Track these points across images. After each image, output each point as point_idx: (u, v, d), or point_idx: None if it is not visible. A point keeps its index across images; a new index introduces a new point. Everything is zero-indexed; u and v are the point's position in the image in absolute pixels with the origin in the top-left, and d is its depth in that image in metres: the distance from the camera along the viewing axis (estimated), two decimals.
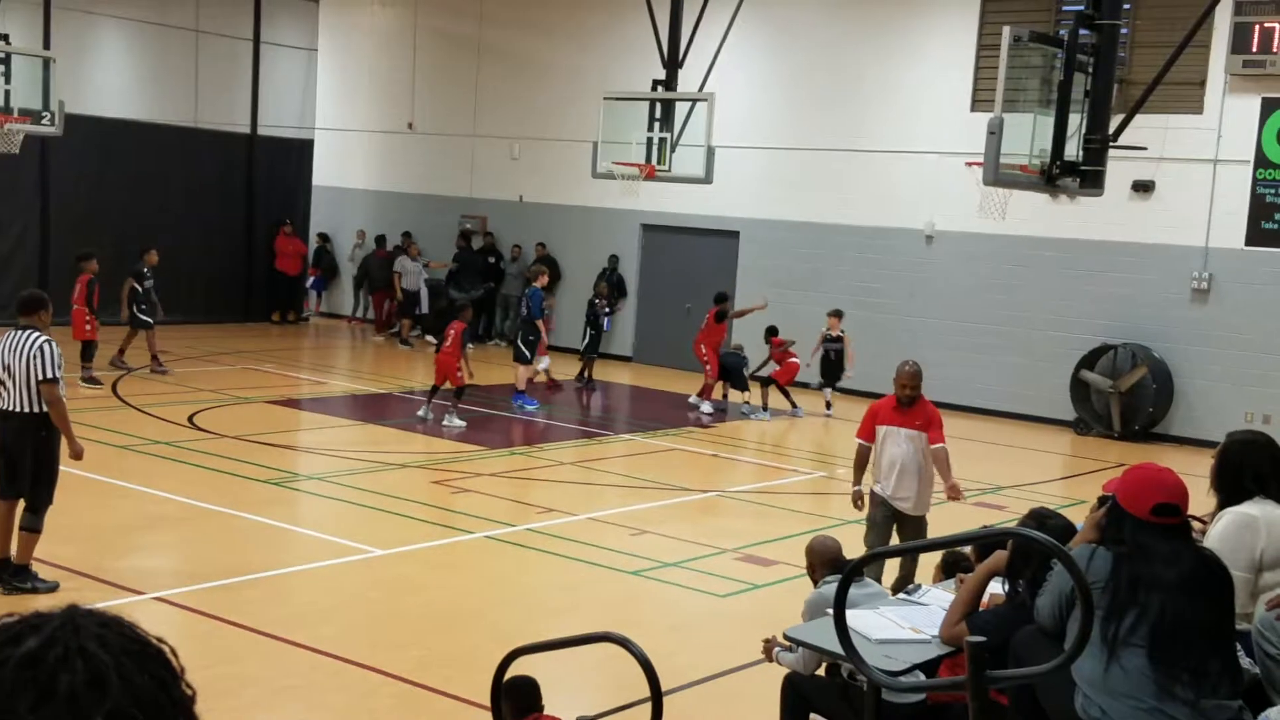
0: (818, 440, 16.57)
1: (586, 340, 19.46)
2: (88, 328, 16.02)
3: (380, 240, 24.99)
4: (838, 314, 18.12)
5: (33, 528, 8.20)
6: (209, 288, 23.67)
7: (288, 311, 25.02)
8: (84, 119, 20.33)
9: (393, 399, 17.60)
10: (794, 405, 17.79)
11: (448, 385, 15.30)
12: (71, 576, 8.47)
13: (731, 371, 17.84)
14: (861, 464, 8.72)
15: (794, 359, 18.00)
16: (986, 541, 6.09)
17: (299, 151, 25.43)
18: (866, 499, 8.67)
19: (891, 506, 8.53)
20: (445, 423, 15.04)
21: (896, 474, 8.48)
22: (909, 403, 8.54)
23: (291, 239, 24.81)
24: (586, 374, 19.39)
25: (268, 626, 7.82)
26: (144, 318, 17.38)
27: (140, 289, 17.41)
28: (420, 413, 15.35)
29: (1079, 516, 6.39)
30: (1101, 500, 6.35)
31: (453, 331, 15.23)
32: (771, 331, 18.33)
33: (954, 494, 8.67)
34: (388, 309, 24.28)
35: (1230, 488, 4.94)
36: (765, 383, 17.79)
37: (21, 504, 8.28)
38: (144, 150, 22.44)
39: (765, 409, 17.57)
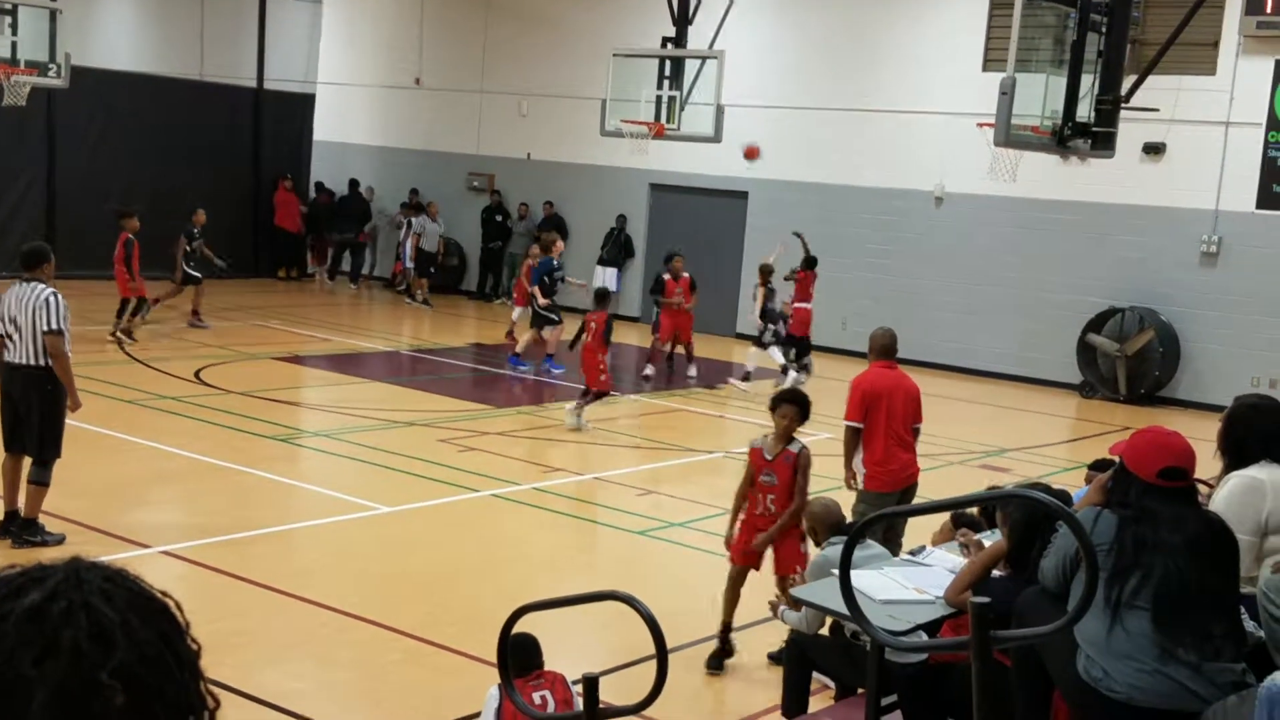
0: (826, 401, 16.54)
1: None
2: (132, 285, 15.95)
3: (319, 187, 25.09)
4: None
5: (41, 481, 8.23)
6: (214, 243, 23.56)
7: (292, 268, 24.98)
8: (90, 71, 20.23)
9: (399, 357, 17.62)
10: (790, 364, 16.38)
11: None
12: (79, 530, 8.51)
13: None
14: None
15: (806, 305, 16.59)
16: (991, 503, 6.10)
17: (304, 106, 25.31)
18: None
19: None
20: (567, 419, 13.09)
21: None
22: None
23: (291, 194, 24.69)
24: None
25: (275, 581, 7.87)
26: (193, 273, 17.69)
27: (189, 247, 17.68)
28: (569, 407, 13.23)
29: (1079, 480, 6.39)
30: (1094, 465, 6.36)
31: (594, 323, 13.11)
32: (809, 264, 16.83)
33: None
34: (393, 268, 24.35)
35: (1237, 451, 4.93)
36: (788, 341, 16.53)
37: (29, 458, 8.31)
38: (150, 103, 22.34)
39: (801, 369, 16.28)
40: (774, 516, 7.04)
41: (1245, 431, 4.93)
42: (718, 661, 7.05)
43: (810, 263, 16.91)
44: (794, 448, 7.07)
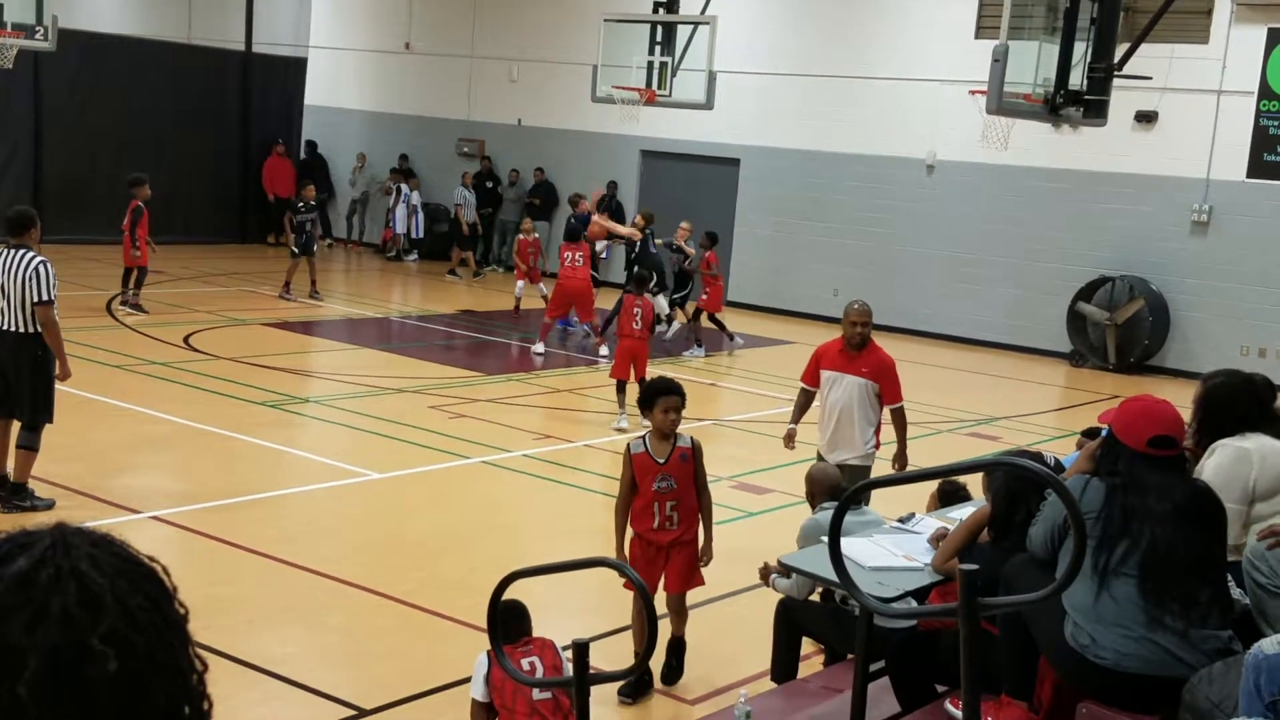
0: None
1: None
2: (136, 254, 15.76)
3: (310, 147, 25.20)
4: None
5: (30, 446, 8.22)
6: (203, 208, 23.50)
7: (282, 233, 24.83)
8: (77, 33, 20.04)
9: (389, 323, 17.58)
10: (729, 335, 16.76)
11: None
12: (69, 495, 8.51)
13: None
14: (801, 409, 8.19)
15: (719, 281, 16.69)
16: (977, 471, 6.11)
17: (294, 70, 25.12)
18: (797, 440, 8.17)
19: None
20: (615, 424, 11.97)
21: (835, 425, 7.84)
22: (859, 345, 7.82)
23: (284, 159, 24.53)
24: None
25: (266, 547, 7.88)
26: (294, 248, 17.87)
27: (296, 221, 17.83)
28: (618, 424, 11.93)
29: (1068, 448, 6.41)
30: (1086, 433, 6.38)
31: (639, 310, 12.07)
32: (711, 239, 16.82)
33: (899, 466, 7.88)
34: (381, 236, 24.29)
35: (1215, 432, 4.94)
36: (698, 313, 16.63)
37: (17, 423, 8.29)
38: (137, 66, 22.16)
39: (700, 343, 16.45)
40: (679, 528, 6.22)
41: (1222, 411, 4.94)
42: (632, 690, 6.16)
43: (713, 239, 16.88)
44: (684, 442, 6.22)
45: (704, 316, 16.81)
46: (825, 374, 7.93)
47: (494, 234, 24.05)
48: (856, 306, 7.89)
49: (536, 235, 19.06)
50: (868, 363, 7.82)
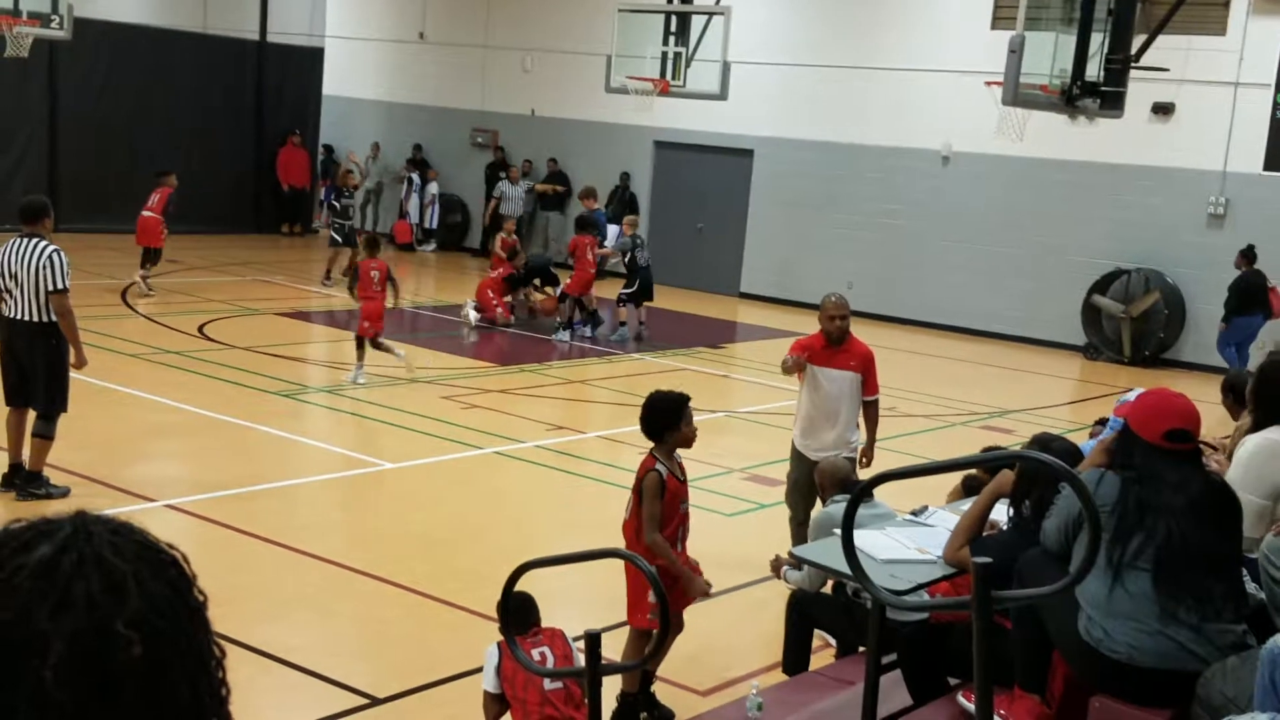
0: None
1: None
2: (164, 234, 16.47)
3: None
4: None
5: (45, 434, 8.25)
6: (218, 198, 23.51)
7: (296, 223, 24.89)
8: (92, 23, 20.09)
9: (402, 313, 17.58)
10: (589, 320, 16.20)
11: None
12: (83, 483, 8.54)
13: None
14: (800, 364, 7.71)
15: (591, 266, 15.99)
16: (995, 464, 6.09)
17: (309, 60, 25.13)
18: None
19: (811, 462, 7.42)
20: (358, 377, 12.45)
21: (820, 421, 7.64)
22: (839, 339, 7.65)
23: (300, 149, 24.56)
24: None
25: (279, 536, 7.90)
26: (335, 236, 18.49)
27: (338, 206, 18.47)
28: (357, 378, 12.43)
29: (1081, 441, 6.39)
30: (1101, 422, 6.34)
31: (376, 271, 12.53)
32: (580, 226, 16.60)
33: (866, 460, 7.75)
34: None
35: (1269, 407, 4.90)
36: (564, 298, 16.26)
37: (33, 412, 8.32)
38: (152, 56, 22.19)
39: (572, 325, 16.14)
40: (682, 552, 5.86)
41: (1277, 389, 4.91)
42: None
43: (580, 224, 16.65)
44: (678, 458, 5.85)
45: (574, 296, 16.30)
46: (811, 370, 7.70)
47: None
48: (834, 299, 7.73)
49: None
50: (854, 355, 7.67)
